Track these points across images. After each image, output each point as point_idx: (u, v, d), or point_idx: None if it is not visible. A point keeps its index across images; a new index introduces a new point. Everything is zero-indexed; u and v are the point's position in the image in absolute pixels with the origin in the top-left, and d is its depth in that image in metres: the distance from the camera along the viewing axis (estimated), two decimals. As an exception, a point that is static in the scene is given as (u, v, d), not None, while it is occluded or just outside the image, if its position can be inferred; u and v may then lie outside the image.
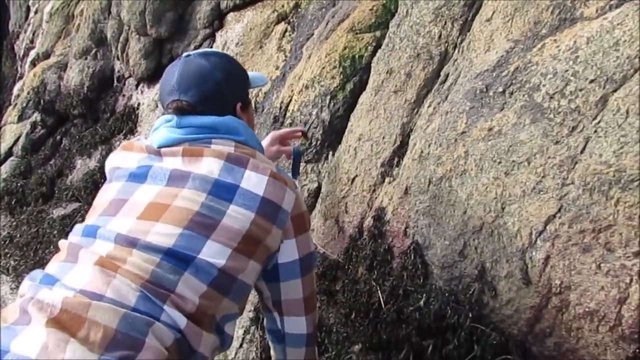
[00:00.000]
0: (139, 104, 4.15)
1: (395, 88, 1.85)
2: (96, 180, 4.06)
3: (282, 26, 3.00)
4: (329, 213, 1.98)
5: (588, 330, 1.17)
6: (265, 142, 1.79)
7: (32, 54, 5.67)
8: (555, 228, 1.20)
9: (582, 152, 1.17)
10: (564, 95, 1.23)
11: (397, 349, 1.49)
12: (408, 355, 1.46)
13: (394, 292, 1.59)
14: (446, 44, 1.77)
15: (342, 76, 2.09)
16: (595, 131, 1.16)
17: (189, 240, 1.06)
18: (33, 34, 6.03)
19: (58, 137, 4.91)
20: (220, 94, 1.29)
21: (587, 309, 1.16)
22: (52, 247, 3.68)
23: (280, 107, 2.33)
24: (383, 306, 1.59)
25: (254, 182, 1.15)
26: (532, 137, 1.27)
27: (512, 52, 1.45)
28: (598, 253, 1.13)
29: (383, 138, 1.83)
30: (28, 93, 4.98)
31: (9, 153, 5.04)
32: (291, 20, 2.97)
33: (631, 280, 1.08)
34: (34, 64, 5.41)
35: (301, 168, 2.14)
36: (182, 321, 1.00)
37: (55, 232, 3.82)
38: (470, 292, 1.40)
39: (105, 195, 1.19)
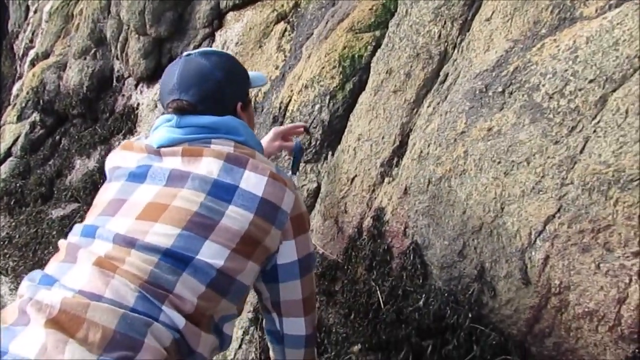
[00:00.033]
0: (138, 104, 4.15)
1: (394, 88, 1.85)
2: (95, 180, 4.06)
3: (281, 26, 3.00)
4: (328, 213, 1.98)
5: (587, 330, 1.16)
6: (267, 138, 1.81)
7: (32, 53, 5.67)
8: (555, 228, 1.20)
9: (581, 152, 1.17)
10: (563, 95, 1.23)
11: (397, 349, 1.49)
12: (407, 355, 1.46)
13: (393, 293, 1.59)
14: (446, 44, 1.77)
15: (341, 76, 2.09)
16: (595, 131, 1.16)
17: (187, 241, 1.05)
18: (32, 34, 6.03)
19: (57, 137, 4.91)
20: (220, 93, 1.29)
21: (586, 309, 1.15)
22: (51, 247, 3.68)
23: (280, 107, 2.33)
24: (382, 306, 1.59)
25: (253, 182, 1.15)
26: (532, 137, 1.27)
27: (512, 52, 1.45)
28: (597, 253, 1.13)
29: (382, 138, 1.83)
30: (27, 93, 4.98)
31: (8, 153, 5.04)
32: (291, 19, 2.97)
33: (630, 280, 1.08)
34: (33, 63, 5.41)
35: (301, 168, 2.14)
36: (180, 321, 0.99)
37: (54, 232, 3.82)
38: (470, 292, 1.40)
39: (104, 194, 1.19)
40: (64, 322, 0.91)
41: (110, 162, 1.26)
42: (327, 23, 2.46)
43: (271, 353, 1.43)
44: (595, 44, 1.20)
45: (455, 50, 1.74)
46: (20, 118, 5.11)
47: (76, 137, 4.64)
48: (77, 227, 1.13)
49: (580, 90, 1.20)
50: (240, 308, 1.19)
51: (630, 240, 1.07)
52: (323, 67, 2.15)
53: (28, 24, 6.35)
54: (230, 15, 3.50)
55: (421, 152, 1.60)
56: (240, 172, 1.15)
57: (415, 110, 1.78)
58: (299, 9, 2.95)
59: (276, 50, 2.91)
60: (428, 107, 1.72)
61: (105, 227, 1.08)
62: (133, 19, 3.85)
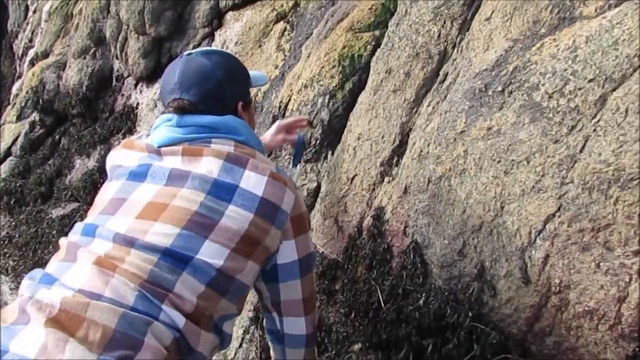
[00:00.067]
0: (137, 104, 4.15)
1: (394, 87, 1.85)
2: (95, 180, 4.06)
3: (281, 25, 3.00)
4: (328, 212, 1.98)
5: (588, 329, 1.17)
6: (270, 131, 1.82)
7: (31, 53, 5.67)
8: (555, 227, 1.20)
9: (581, 151, 1.17)
10: (563, 94, 1.23)
11: (397, 348, 1.49)
12: (408, 354, 1.46)
13: (393, 292, 1.59)
14: (445, 43, 1.77)
15: (341, 75, 2.09)
16: (595, 130, 1.16)
17: (187, 240, 1.05)
18: (32, 33, 6.03)
19: (57, 137, 4.90)
20: (221, 93, 1.29)
21: (586, 308, 1.16)
22: (51, 247, 3.68)
23: (280, 107, 2.33)
24: (382, 305, 1.59)
25: (253, 182, 1.15)
26: (532, 136, 1.27)
27: (511, 52, 1.45)
28: (597, 252, 1.13)
29: (382, 137, 1.83)
30: (27, 92, 4.98)
31: (8, 153, 5.03)
32: (290, 19, 2.97)
33: (630, 279, 1.08)
34: (32, 63, 5.41)
35: (301, 168, 2.15)
36: (180, 320, 0.99)
37: (54, 232, 3.82)
38: (470, 291, 1.40)
39: (105, 193, 1.19)
40: (64, 321, 0.91)
41: (111, 160, 1.26)
42: (326, 22, 2.46)
43: (272, 352, 1.43)
44: (595, 43, 1.21)
45: (455, 50, 1.74)
46: (19, 117, 5.11)
47: (76, 136, 4.64)
48: (78, 226, 1.14)
49: (580, 89, 1.20)
50: (240, 307, 1.19)
51: (631, 239, 1.07)
52: (323, 67, 2.15)
53: (27, 24, 6.35)
54: (229, 15, 3.50)
55: (421, 151, 1.60)
56: (241, 171, 1.15)
57: (415, 110, 1.78)
58: (298, 9, 2.95)
59: (276, 50, 2.91)
60: (428, 106, 1.72)
61: (105, 226, 1.08)
62: (132, 19, 3.84)
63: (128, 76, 4.33)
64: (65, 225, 3.78)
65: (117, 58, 4.37)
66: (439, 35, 1.78)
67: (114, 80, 4.57)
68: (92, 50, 4.59)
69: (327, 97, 2.08)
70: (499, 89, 1.39)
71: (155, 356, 0.93)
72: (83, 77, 4.54)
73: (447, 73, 1.73)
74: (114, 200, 1.14)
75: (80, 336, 0.89)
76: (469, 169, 1.41)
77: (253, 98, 2.69)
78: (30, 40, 5.99)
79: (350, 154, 1.94)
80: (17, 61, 6.45)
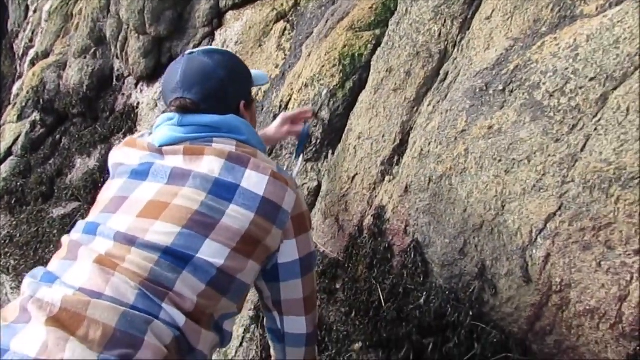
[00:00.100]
0: (138, 103, 4.15)
1: (395, 86, 1.85)
2: (96, 179, 4.06)
3: (281, 24, 3.00)
4: (329, 212, 1.98)
5: (589, 328, 1.16)
6: (275, 123, 1.83)
7: (32, 53, 5.67)
8: (556, 226, 1.20)
9: (582, 150, 1.17)
10: (564, 93, 1.23)
11: (398, 347, 1.49)
12: (408, 353, 1.46)
13: (394, 291, 1.59)
14: (446, 42, 1.77)
15: (341, 74, 2.08)
16: (596, 129, 1.16)
17: (187, 239, 1.05)
18: (32, 33, 6.03)
19: (57, 137, 4.91)
20: (223, 92, 1.29)
21: (587, 307, 1.16)
22: (52, 246, 3.68)
23: (280, 106, 2.33)
24: (383, 304, 1.59)
25: (254, 181, 1.15)
26: (532, 135, 1.27)
27: (512, 50, 1.45)
28: (598, 251, 1.13)
29: (383, 136, 1.83)
30: (27, 92, 4.98)
31: (9, 152, 5.03)
32: (290, 18, 2.97)
33: (632, 278, 1.08)
34: (33, 63, 5.41)
35: (301, 167, 2.14)
36: (180, 319, 0.99)
37: (55, 231, 3.82)
38: (471, 290, 1.40)
39: (107, 191, 1.19)
40: (64, 320, 0.91)
41: (114, 158, 1.26)
42: (327, 22, 2.46)
43: (272, 351, 1.43)
44: (596, 42, 1.20)
45: (456, 49, 1.74)
46: (20, 117, 5.11)
47: (76, 136, 4.64)
48: (80, 224, 1.14)
49: (581, 88, 1.20)
50: (241, 306, 1.19)
51: (632, 238, 1.07)
52: (323, 66, 2.15)
53: (28, 24, 6.35)
54: (229, 14, 3.50)
55: (422, 150, 1.60)
56: (242, 171, 1.15)
57: (415, 109, 1.78)
58: (298, 8, 2.95)
59: (276, 49, 2.91)
60: (428, 105, 1.72)
61: (106, 224, 1.08)
62: (133, 18, 3.84)
63: (128, 76, 4.33)
64: (66, 225, 3.78)
65: (117, 58, 4.37)
66: (440, 34, 1.78)
67: (114, 80, 4.57)
68: (92, 50, 4.59)
69: (328, 96, 2.08)
70: (500, 87, 1.39)
71: (155, 355, 0.93)
72: (83, 77, 4.54)
73: (448, 72, 1.72)
74: (115, 199, 1.15)
75: (80, 335, 0.89)
76: (469, 168, 1.41)
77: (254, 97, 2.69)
78: (31, 40, 5.99)
79: (351, 153, 1.94)
80: (17, 61, 6.45)
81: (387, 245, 1.68)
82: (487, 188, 1.35)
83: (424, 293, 1.50)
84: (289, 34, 2.89)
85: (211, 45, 3.48)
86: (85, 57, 4.61)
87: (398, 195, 1.67)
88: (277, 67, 2.80)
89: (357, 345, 1.62)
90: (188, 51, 1.34)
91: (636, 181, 1.07)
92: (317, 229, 2.00)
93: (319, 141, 2.09)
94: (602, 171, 1.12)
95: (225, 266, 1.07)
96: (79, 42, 4.64)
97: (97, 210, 1.15)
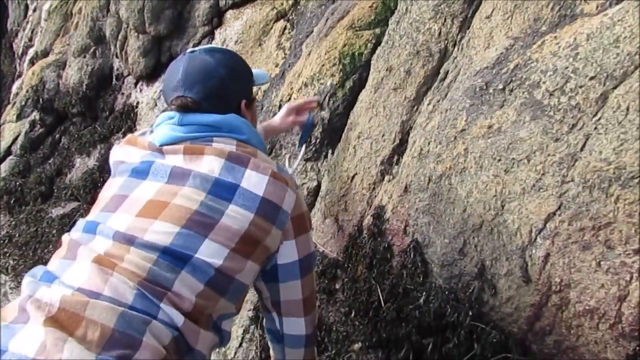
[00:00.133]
0: (137, 103, 4.15)
1: (394, 85, 1.85)
2: (95, 179, 4.06)
3: (281, 24, 2.99)
4: (329, 211, 1.98)
5: (588, 327, 1.16)
6: (280, 114, 1.85)
7: (31, 52, 5.67)
8: (555, 226, 1.19)
9: (582, 149, 1.17)
10: (564, 92, 1.23)
11: (397, 348, 1.49)
12: (408, 353, 1.45)
13: (393, 291, 1.59)
14: (446, 41, 1.76)
15: (341, 73, 2.08)
16: (595, 128, 1.15)
17: (186, 239, 1.05)
18: (32, 32, 6.03)
19: (57, 136, 4.91)
20: (225, 91, 1.28)
21: (587, 307, 1.15)
22: (51, 246, 3.68)
23: (280, 105, 2.33)
24: (383, 305, 1.58)
25: (254, 181, 1.14)
26: (532, 135, 1.27)
27: (512, 49, 1.44)
28: (598, 251, 1.12)
29: (382, 136, 1.82)
30: (27, 91, 4.98)
31: (8, 152, 5.04)
32: (290, 17, 2.96)
33: (631, 277, 1.07)
34: (32, 62, 5.41)
35: (301, 167, 2.14)
36: (179, 319, 0.99)
37: (54, 231, 3.83)
38: (470, 290, 1.39)
39: (108, 190, 1.19)
40: (63, 320, 0.91)
41: (115, 156, 1.26)
42: (327, 21, 2.46)
43: (271, 352, 1.43)
44: (596, 41, 1.20)
45: (456, 48, 1.74)
46: (20, 117, 5.11)
47: (76, 135, 4.64)
48: (80, 223, 1.14)
49: (580, 87, 1.20)
50: (239, 307, 1.19)
51: (631, 238, 1.07)
52: (323, 65, 2.14)
53: (27, 23, 6.34)
54: (229, 14, 3.50)
55: (421, 149, 1.60)
56: (242, 171, 1.15)
57: (415, 108, 1.78)
58: (298, 7, 2.95)
59: (276, 48, 2.90)
60: (428, 104, 1.72)
61: (106, 223, 1.08)
62: (132, 17, 3.84)
63: (128, 75, 4.33)
64: (65, 225, 3.79)
65: (117, 57, 4.37)
66: (440, 33, 1.78)
67: (114, 79, 4.57)
68: (92, 49, 4.59)
69: (328, 95, 2.08)
70: (500, 87, 1.39)
71: (153, 355, 0.93)
72: (83, 76, 4.54)
73: (448, 71, 1.72)
74: (115, 197, 1.14)
75: (79, 335, 0.89)
76: (469, 168, 1.41)
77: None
78: (30, 39, 5.99)
79: (351, 152, 1.94)
80: (17, 60, 6.45)
81: (386, 245, 1.67)
82: (487, 188, 1.35)
83: (424, 293, 1.49)
84: (289, 33, 2.89)
85: (211, 44, 3.48)
86: (84, 56, 4.60)
87: (397, 195, 1.67)
88: (276, 66, 2.80)
89: (356, 346, 1.61)
90: (189, 50, 1.34)
91: (636, 180, 1.06)
92: (317, 228, 2.00)
93: (318, 140, 2.09)
94: (602, 170, 1.12)
95: (224, 266, 1.06)
96: (78, 41, 4.64)
97: (98, 209, 1.15)
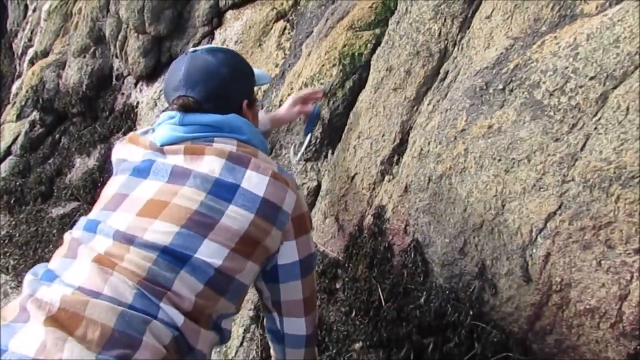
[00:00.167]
0: (137, 103, 4.14)
1: (394, 86, 1.85)
2: (95, 179, 4.06)
3: (281, 24, 2.99)
4: (329, 211, 1.98)
5: (589, 327, 1.16)
6: (287, 104, 1.87)
7: (31, 52, 5.66)
8: (556, 225, 1.20)
9: (582, 149, 1.17)
10: (564, 92, 1.23)
11: (398, 347, 1.49)
12: (408, 353, 1.45)
13: (394, 290, 1.59)
14: (446, 42, 1.76)
15: (341, 74, 2.08)
16: (596, 128, 1.15)
17: (186, 239, 1.05)
18: (31, 32, 6.02)
19: (57, 136, 4.90)
20: (226, 91, 1.28)
21: (587, 306, 1.15)
22: (51, 246, 3.68)
23: (280, 105, 2.33)
24: (383, 304, 1.58)
25: (254, 182, 1.14)
26: (532, 135, 1.27)
27: (512, 49, 1.44)
28: (598, 250, 1.13)
29: (382, 136, 1.82)
30: (27, 92, 4.97)
31: (8, 152, 5.03)
32: (290, 18, 2.96)
33: (632, 277, 1.08)
34: (32, 62, 5.40)
35: (301, 166, 2.14)
36: (179, 319, 0.99)
37: (55, 231, 3.82)
38: (471, 290, 1.39)
39: (109, 188, 1.20)
40: (63, 320, 0.91)
41: (117, 153, 1.26)
42: (326, 21, 2.46)
43: (272, 352, 1.43)
44: (596, 41, 1.20)
45: (456, 48, 1.74)
46: (20, 117, 5.11)
47: (76, 135, 4.64)
48: (81, 221, 1.14)
49: (581, 87, 1.20)
50: (239, 307, 1.19)
51: (632, 237, 1.07)
52: (323, 65, 2.14)
53: (27, 23, 6.34)
54: (229, 14, 3.50)
55: (421, 149, 1.60)
56: (242, 171, 1.15)
57: (415, 108, 1.78)
58: (298, 7, 2.95)
59: (276, 49, 2.90)
60: (428, 104, 1.72)
61: (106, 222, 1.09)
62: (132, 18, 3.84)
63: (128, 75, 4.33)
64: (65, 224, 3.79)
65: (117, 57, 4.37)
66: (440, 33, 1.78)
67: (113, 79, 4.56)
68: (91, 49, 4.59)
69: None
70: (500, 87, 1.39)
71: (153, 355, 0.93)
72: (83, 76, 4.54)
73: (448, 71, 1.72)
74: (116, 196, 1.15)
75: (78, 335, 0.89)
76: (469, 168, 1.41)
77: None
78: (30, 39, 5.98)
79: (351, 152, 1.94)
80: (16, 60, 6.45)
81: (387, 244, 1.68)
82: (487, 187, 1.35)
83: (424, 293, 1.49)
84: (289, 33, 2.89)
85: (211, 44, 3.48)
86: (84, 57, 4.60)
87: (398, 195, 1.67)
88: (276, 66, 2.80)
89: (357, 345, 1.61)
90: (191, 49, 1.33)
91: (636, 180, 1.06)
92: (317, 228, 2.00)
93: (318, 140, 2.09)
94: (602, 170, 1.12)
95: (224, 267, 1.06)
96: (78, 42, 4.64)
97: (99, 207, 1.16)
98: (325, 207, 2.00)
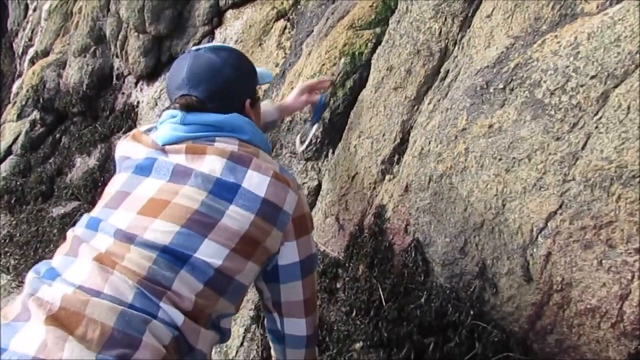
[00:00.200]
0: (138, 102, 4.15)
1: (395, 85, 1.85)
2: (96, 178, 4.06)
3: (281, 23, 2.99)
4: (329, 211, 1.98)
5: (589, 327, 1.16)
6: (294, 93, 1.88)
7: (31, 51, 5.67)
8: (556, 224, 1.19)
9: (583, 148, 1.17)
10: (564, 91, 1.23)
11: (398, 347, 1.49)
12: (409, 353, 1.45)
13: (394, 290, 1.59)
14: (446, 41, 1.76)
15: (342, 73, 2.08)
16: (597, 127, 1.15)
17: (186, 239, 1.05)
18: (32, 32, 6.03)
19: (57, 136, 4.91)
20: (230, 90, 1.28)
21: (588, 306, 1.15)
22: (52, 245, 3.68)
23: (280, 105, 2.33)
24: (384, 304, 1.58)
25: (255, 182, 1.14)
26: (533, 134, 1.27)
27: (513, 48, 1.44)
28: (599, 249, 1.12)
29: (383, 135, 1.82)
30: (27, 91, 4.98)
31: (9, 151, 5.04)
32: (290, 17, 2.96)
33: (633, 276, 1.07)
34: (32, 62, 5.41)
35: (301, 166, 2.14)
36: (179, 318, 0.99)
37: (55, 230, 3.83)
38: (471, 290, 1.39)
39: (112, 185, 1.20)
40: (63, 319, 0.91)
41: (120, 151, 1.26)
42: (327, 20, 2.45)
43: (272, 352, 1.43)
44: (597, 40, 1.20)
45: (456, 47, 1.74)
46: (20, 116, 5.11)
47: (76, 135, 4.64)
48: (84, 218, 1.14)
49: (581, 86, 1.20)
50: (238, 307, 1.19)
51: (633, 237, 1.07)
52: (323, 64, 2.14)
53: (27, 22, 6.34)
54: (229, 13, 3.50)
55: (422, 149, 1.60)
56: (243, 171, 1.15)
57: (415, 107, 1.78)
58: (298, 7, 2.94)
59: (276, 48, 2.90)
60: (429, 104, 1.72)
61: (107, 220, 1.09)
62: (132, 17, 3.84)
63: (128, 74, 4.33)
64: (66, 224, 3.79)
65: (117, 56, 4.37)
66: (440, 32, 1.78)
67: (114, 79, 4.57)
68: (92, 49, 4.59)
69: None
70: (500, 86, 1.39)
71: (153, 355, 0.93)
72: (83, 76, 4.54)
73: (448, 70, 1.72)
74: (118, 194, 1.15)
75: (79, 334, 0.89)
76: (470, 167, 1.41)
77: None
78: (30, 39, 5.99)
79: (351, 152, 1.93)
80: (17, 60, 6.45)
81: (387, 244, 1.67)
82: (488, 187, 1.35)
83: (425, 292, 1.49)
84: (289, 32, 2.88)
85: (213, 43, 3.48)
86: (85, 56, 4.60)
87: (398, 194, 1.67)
88: (277, 65, 2.80)
89: (357, 345, 1.61)
90: (194, 47, 1.32)
91: (637, 179, 1.06)
92: (318, 228, 2.00)
93: (319, 140, 2.09)
94: (603, 169, 1.12)
95: (224, 267, 1.06)
96: (78, 41, 4.64)
97: (101, 205, 1.16)
98: (325, 207, 2.00)
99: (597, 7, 1.28)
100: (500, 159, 1.33)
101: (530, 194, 1.25)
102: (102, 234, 1.07)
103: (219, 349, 2.04)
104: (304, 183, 2.12)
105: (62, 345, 0.88)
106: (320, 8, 2.69)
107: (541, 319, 1.26)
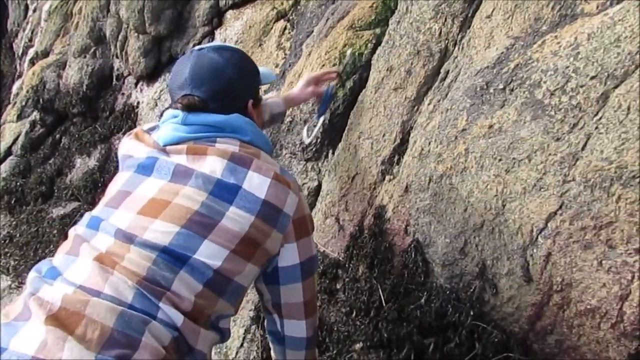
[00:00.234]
0: (138, 103, 4.14)
1: (395, 85, 1.85)
2: (96, 179, 4.06)
3: (281, 24, 2.99)
4: (329, 211, 1.98)
5: (589, 327, 1.16)
6: (300, 84, 1.87)
7: (31, 52, 5.67)
8: (556, 225, 1.19)
9: (583, 148, 1.17)
10: (564, 91, 1.23)
11: (398, 348, 1.49)
12: (409, 353, 1.45)
13: (394, 291, 1.59)
14: (446, 41, 1.76)
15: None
16: (597, 128, 1.15)
17: (185, 239, 1.05)
18: (32, 33, 6.03)
19: (57, 136, 4.91)
20: (232, 90, 1.27)
21: (588, 306, 1.15)
22: (51, 246, 3.68)
23: (280, 105, 2.32)
24: (384, 304, 1.58)
25: (256, 183, 1.13)
26: (533, 134, 1.27)
27: (513, 49, 1.44)
28: (599, 250, 1.12)
29: (383, 136, 1.82)
30: (27, 92, 4.97)
31: (8, 152, 5.04)
32: (290, 17, 2.96)
33: (633, 277, 1.07)
34: (32, 62, 5.41)
35: (302, 167, 2.14)
36: (178, 319, 0.99)
37: (55, 231, 3.82)
38: (471, 290, 1.39)
39: (114, 184, 1.20)
40: (63, 319, 0.91)
41: (123, 149, 1.26)
42: (327, 21, 2.46)
43: (272, 353, 1.43)
44: (597, 40, 1.20)
45: (456, 48, 1.74)
46: (20, 117, 5.11)
47: (76, 135, 4.64)
48: (85, 217, 1.14)
49: (581, 86, 1.20)
50: (237, 307, 1.18)
51: (633, 237, 1.07)
52: (323, 65, 2.14)
53: (27, 23, 6.34)
54: (229, 14, 3.50)
55: (422, 149, 1.60)
56: (244, 172, 1.14)
57: (416, 108, 1.78)
58: (298, 7, 2.95)
59: (276, 48, 2.90)
60: (429, 104, 1.72)
61: (108, 220, 1.09)
62: (132, 18, 3.84)
63: (128, 75, 4.33)
64: (65, 225, 3.78)
65: (117, 57, 4.37)
66: (440, 33, 1.78)
67: (114, 79, 4.56)
68: (92, 49, 4.59)
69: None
70: (501, 86, 1.39)
71: (153, 356, 0.93)
72: (83, 76, 4.54)
73: (448, 71, 1.72)
74: (119, 193, 1.15)
75: (78, 334, 0.89)
76: (470, 167, 1.41)
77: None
78: (30, 40, 5.99)
79: (351, 152, 1.93)
80: (17, 60, 6.45)
81: (387, 245, 1.67)
82: (488, 187, 1.35)
83: (425, 293, 1.49)
84: (289, 33, 2.88)
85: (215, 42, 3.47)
86: (85, 57, 4.60)
87: (398, 195, 1.67)
88: (277, 66, 2.80)
89: (357, 346, 1.61)
90: (197, 47, 1.32)
91: (637, 180, 1.06)
92: (318, 228, 2.00)
93: (319, 140, 2.09)
94: (603, 170, 1.12)
95: (223, 268, 1.06)
96: (78, 42, 4.64)
97: (103, 203, 1.16)
98: (325, 207, 2.00)
99: (597, 7, 1.28)
100: (500, 160, 1.33)
101: (530, 194, 1.25)
102: (103, 234, 1.07)
103: (218, 350, 2.03)
104: (304, 183, 2.12)
105: (62, 345, 0.88)
106: (320, 8, 2.69)
107: (541, 320, 1.26)
